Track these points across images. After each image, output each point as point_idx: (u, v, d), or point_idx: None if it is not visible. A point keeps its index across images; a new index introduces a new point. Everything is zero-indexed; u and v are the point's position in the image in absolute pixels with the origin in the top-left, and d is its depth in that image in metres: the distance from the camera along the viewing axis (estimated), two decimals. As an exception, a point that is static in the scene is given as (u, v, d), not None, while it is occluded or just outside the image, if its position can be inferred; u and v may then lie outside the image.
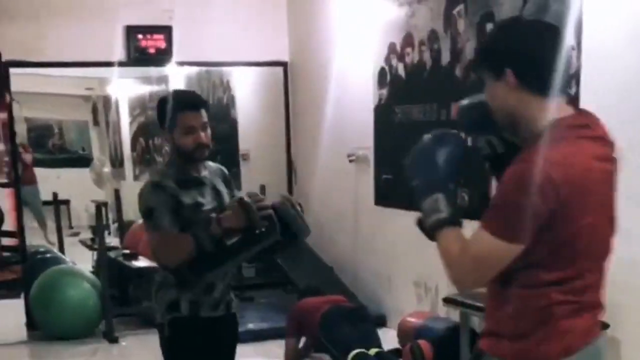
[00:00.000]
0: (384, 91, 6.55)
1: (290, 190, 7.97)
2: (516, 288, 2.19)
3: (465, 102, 2.43)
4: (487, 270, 2.17)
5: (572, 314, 2.17)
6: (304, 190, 7.95)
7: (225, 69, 8.78)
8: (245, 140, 8.92)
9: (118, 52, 7.31)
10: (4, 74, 6.91)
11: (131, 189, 9.13)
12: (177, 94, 3.60)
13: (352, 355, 5.24)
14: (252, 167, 8.93)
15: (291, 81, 8.04)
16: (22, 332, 6.42)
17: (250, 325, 6.61)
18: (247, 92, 9.00)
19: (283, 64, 8.02)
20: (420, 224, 2.31)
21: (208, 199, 3.33)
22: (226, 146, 8.90)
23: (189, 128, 3.24)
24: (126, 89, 11.18)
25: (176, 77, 8.93)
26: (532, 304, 2.18)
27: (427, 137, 2.33)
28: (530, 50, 2.15)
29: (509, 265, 2.13)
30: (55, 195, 9.87)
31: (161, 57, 7.55)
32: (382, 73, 6.57)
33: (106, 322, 6.46)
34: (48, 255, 7.30)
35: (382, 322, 6.30)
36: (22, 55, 6.96)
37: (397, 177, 6.37)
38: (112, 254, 7.35)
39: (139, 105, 11.18)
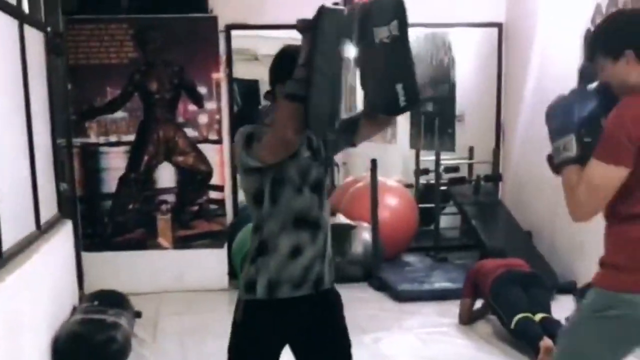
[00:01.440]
0: (589, 53, 6.29)
1: (497, 152, 7.87)
2: (614, 221, 2.65)
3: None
4: (598, 193, 2.58)
5: None
6: (510, 152, 7.85)
7: (447, 30, 8.78)
8: (461, 102, 8.87)
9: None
10: (226, 36, 7.46)
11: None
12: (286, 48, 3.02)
13: (516, 318, 5.22)
14: (466, 129, 8.89)
15: (505, 43, 7.91)
16: (224, 280, 6.99)
17: (436, 285, 6.74)
18: (465, 53, 8.94)
19: (498, 25, 7.91)
20: (550, 159, 2.77)
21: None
22: (444, 107, 8.95)
23: None
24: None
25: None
26: (625, 237, 2.63)
27: (568, 91, 2.74)
28: None
29: (615, 197, 2.56)
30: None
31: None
32: (587, 34, 6.31)
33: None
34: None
35: (572, 288, 6.08)
36: (242, 18, 7.47)
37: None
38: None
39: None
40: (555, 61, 6.87)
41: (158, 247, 6.98)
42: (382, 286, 6.83)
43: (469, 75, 8.86)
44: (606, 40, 2.69)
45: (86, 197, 6.88)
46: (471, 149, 8.42)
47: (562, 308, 5.69)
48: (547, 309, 5.37)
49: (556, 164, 2.70)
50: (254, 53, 13.53)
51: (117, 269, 6.75)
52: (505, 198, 7.96)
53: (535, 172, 7.14)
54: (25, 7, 5.12)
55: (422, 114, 9.27)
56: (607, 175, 2.54)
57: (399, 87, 2.66)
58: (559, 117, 2.73)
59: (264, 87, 9.57)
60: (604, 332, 2.65)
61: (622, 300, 2.59)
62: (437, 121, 8.98)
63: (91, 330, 4.86)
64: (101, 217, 6.91)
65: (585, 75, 2.83)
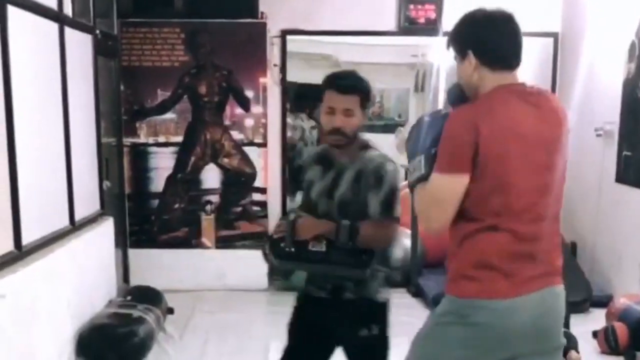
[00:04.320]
0: (632, 65, 6.19)
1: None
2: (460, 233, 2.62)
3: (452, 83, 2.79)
4: (443, 205, 2.55)
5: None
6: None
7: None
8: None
9: (389, 21, 7.71)
10: (281, 41, 7.63)
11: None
12: (337, 72, 3.35)
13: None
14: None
15: (560, 52, 7.80)
16: (264, 281, 7.09)
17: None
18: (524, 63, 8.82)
19: (554, 35, 7.80)
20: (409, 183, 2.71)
21: (326, 181, 3.24)
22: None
23: (329, 108, 3.12)
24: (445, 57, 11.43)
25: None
26: (475, 247, 2.58)
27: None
28: (485, 35, 2.64)
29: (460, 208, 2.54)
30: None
31: (430, 27, 7.78)
32: (632, 47, 6.21)
33: (337, 279, 6.90)
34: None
35: (607, 301, 5.98)
36: (299, 24, 7.64)
37: (637, 155, 6.04)
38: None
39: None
40: (602, 72, 6.78)
41: (201, 246, 7.16)
42: (418, 292, 6.82)
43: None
44: (454, 40, 2.72)
45: (134, 195, 7.10)
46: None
47: (595, 321, 5.61)
48: (564, 323, 5.27)
49: (411, 184, 2.68)
50: (336, 59, 13.66)
51: (161, 266, 6.94)
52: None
53: (580, 182, 7.04)
54: (69, 10, 5.33)
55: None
56: (448, 186, 2.52)
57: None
58: (411, 140, 2.73)
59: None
60: (457, 339, 2.63)
61: (475, 306, 2.58)
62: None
63: (114, 324, 5.04)
64: (148, 215, 7.12)
65: (450, 94, 2.78)
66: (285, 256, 3.12)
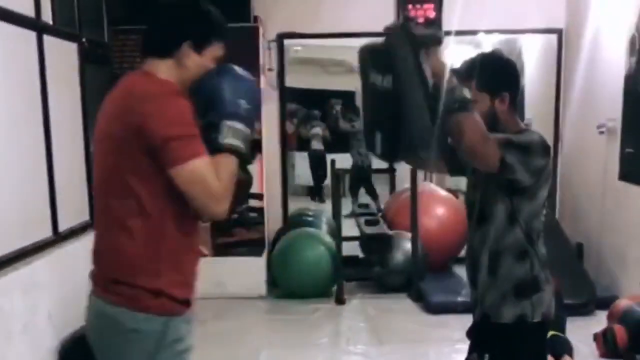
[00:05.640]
0: (633, 59, 6.02)
1: (555, 159, 7.54)
2: None
3: None
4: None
5: None
6: (567, 160, 7.58)
7: (517, 36, 8.56)
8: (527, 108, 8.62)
9: (388, 22, 7.58)
10: (278, 45, 7.69)
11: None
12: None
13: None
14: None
15: (565, 49, 7.64)
16: (262, 288, 7.00)
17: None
18: (530, 59, 8.70)
19: (558, 31, 7.65)
20: None
21: None
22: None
23: None
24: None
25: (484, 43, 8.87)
26: None
27: None
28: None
29: None
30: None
31: (429, 26, 7.65)
32: (632, 40, 6.04)
33: (337, 284, 6.81)
34: (306, 219, 7.87)
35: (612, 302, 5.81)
36: (297, 27, 7.63)
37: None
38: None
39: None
40: (604, 68, 6.61)
41: (198, 253, 7.03)
42: (419, 297, 6.68)
43: (533, 81, 8.62)
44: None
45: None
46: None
47: (600, 324, 5.45)
48: (560, 327, 5.10)
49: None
50: (350, 64, 13.59)
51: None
52: (558, 209, 7.67)
53: (584, 182, 6.88)
54: (48, 18, 5.25)
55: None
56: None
57: (378, 136, 2.71)
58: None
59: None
60: None
61: None
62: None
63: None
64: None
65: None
66: None
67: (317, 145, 13.48)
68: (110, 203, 2.43)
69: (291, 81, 9.15)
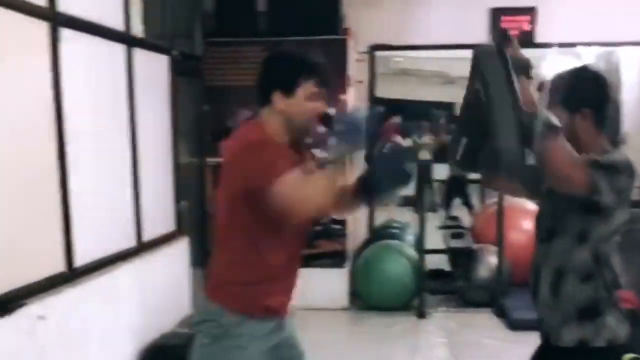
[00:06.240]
0: None
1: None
2: None
3: None
4: None
5: None
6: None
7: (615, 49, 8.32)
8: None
9: (482, 34, 7.53)
10: (369, 57, 7.76)
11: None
12: None
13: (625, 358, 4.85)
14: (629, 149, 8.32)
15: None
16: (345, 300, 7.00)
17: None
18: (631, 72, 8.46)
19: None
20: None
21: None
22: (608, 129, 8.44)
23: None
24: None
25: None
26: None
27: None
28: None
29: None
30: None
31: (523, 38, 7.56)
32: None
33: (419, 298, 6.77)
34: (392, 231, 7.84)
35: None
36: (389, 39, 7.68)
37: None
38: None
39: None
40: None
41: (281, 264, 7.08)
42: (501, 313, 6.56)
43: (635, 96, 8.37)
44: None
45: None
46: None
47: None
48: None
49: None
50: (449, 76, 13.51)
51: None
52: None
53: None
54: (139, 32, 5.39)
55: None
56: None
57: (463, 141, 2.70)
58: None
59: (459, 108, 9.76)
60: None
61: None
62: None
63: (174, 344, 5.01)
64: (229, 234, 7.10)
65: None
66: None
67: (424, 155, 13.37)
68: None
69: (390, 92, 9.16)
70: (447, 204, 11.01)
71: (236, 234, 2.70)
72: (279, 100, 2.70)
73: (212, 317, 2.71)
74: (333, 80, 2.85)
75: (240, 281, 2.72)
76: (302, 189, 2.49)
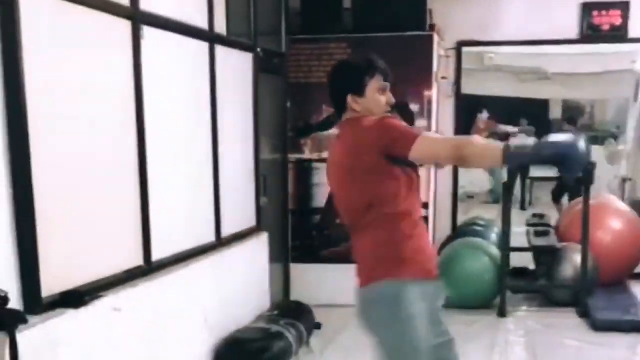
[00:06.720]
0: None
1: None
2: None
3: None
4: None
5: None
6: None
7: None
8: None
9: (572, 29, 7.42)
10: (456, 53, 7.77)
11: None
12: None
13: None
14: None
15: None
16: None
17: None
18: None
19: None
20: None
21: None
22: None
23: None
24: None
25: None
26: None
27: None
28: None
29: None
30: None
31: (615, 34, 7.41)
32: None
33: (500, 296, 6.67)
34: (476, 228, 7.76)
35: None
36: (477, 34, 7.64)
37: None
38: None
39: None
40: None
41: (360, 262, 7.07)
42: (585, 313, 6.41)
43: None
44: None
45: (298, 210, 7.16)
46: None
47: None
48: None
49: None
50: (545, 71, 13.23)
51: (321, 281, 6.95)
52: None
53: None
54: (222, 29, 5.45)
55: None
56: None
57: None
58: None
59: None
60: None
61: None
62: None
63: (251, 338, 5.08)
64: (310, 230, 7.16)
65: None
66: None
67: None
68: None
69: (484, 89, 9.07)
70: (556, 200, 10.80)
71: (380, 208, 2.98)
72: (353, 102, 3.06)
73: (379, 296, 3.02)
74: (391, 74, 3.16)
75: (395, 249, 3.00)
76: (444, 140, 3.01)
